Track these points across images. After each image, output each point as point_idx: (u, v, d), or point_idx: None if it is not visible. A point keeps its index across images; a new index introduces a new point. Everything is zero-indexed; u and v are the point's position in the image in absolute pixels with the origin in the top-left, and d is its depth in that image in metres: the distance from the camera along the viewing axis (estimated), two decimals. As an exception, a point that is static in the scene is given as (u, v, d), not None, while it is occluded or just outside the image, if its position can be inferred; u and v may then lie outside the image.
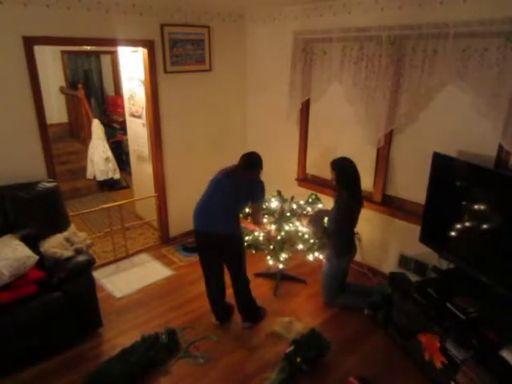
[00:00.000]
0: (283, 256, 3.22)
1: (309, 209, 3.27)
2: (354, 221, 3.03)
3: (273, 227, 3.24)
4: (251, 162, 2.81)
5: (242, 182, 2.73)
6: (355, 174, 2.94)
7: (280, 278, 3.45)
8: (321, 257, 3.22)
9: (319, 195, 3.43)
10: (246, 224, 3.18)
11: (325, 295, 3.18)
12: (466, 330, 2.26)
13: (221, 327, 2.93)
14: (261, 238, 3.31)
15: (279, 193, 3.38)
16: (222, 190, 2.71)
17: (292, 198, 3.35)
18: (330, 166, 2.99)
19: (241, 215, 3.03)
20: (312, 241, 3.22)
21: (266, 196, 3.24)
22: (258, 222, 3.03)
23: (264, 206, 3.32)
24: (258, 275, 3.60)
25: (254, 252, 3.35)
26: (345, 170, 2.94)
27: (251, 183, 2.76)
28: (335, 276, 3.11)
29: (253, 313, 2.99)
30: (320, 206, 3.32)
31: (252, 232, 3.29)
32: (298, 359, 2.46)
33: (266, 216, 3.30)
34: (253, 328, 2.93)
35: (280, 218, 3.24)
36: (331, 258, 3.08)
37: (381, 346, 2.76)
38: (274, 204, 3.31)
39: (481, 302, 2.37)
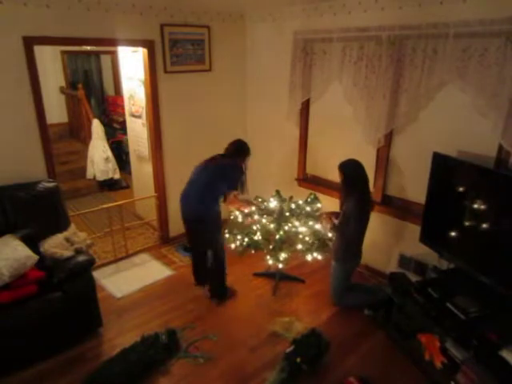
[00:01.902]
0: (282, 256, 3.22)
1: (308, 208, 3.27)
2: (364, 225, 3.01)
3: (256, 218, 3.32)
4: (234, 149, 3.05)
5: (219, 168, 2.96)
6: (363, 176, 2.93)
7: (279, 278, 3.45)
8: (319, 257, 3.22)
9: (318, 195, 3.43)
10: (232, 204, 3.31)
11: (333, 296, 3.18)
12: (466, 330, 2.26)
13: (220, 326, 2.94)
14: (259, 237, 3.31)
15: (278, 192, 3.38)
16: (199, 176, 3.00)
17: (291, 198, 3.35)
18: (337, 168, 2.96)
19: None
20: (311, 241, 3.22)
21: (266, 196, 3.36)
22: (229, 202, 3.21)
23: (263, 206, 3.34)
24: (257, 275, 3.60)
25: (253, 252, 3.35)
26: (353, 172, 2.92)
27: (227, 169, 2.99)
28: (343, 278, 3.10)
29: (219, 290, 3.22)
30: (319, 205, 3.32)
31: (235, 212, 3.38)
32: (298, 359, 2.45)
33: (265, 216, 3.31)
34: (220, 305, 3.15)
35: (279, 217, 3.25)
36: (339, 261, 3.07)
37: (381, 346, 2.76)
38: (273, 204, 3.31)
39: (481, 301, 2.37)
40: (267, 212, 3.32)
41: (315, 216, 3.26)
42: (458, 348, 2.26)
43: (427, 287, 2.61)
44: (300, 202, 3.32)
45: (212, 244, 3.07)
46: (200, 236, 3.07)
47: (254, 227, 3.34)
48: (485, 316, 2.29)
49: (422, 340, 2.48)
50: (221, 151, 3.34)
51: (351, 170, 2.93)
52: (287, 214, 3.25)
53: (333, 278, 3.15)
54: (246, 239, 3.32)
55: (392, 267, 3.30)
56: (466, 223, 2.55)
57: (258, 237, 3.31)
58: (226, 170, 3.00)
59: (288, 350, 2.54)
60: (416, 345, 2.53)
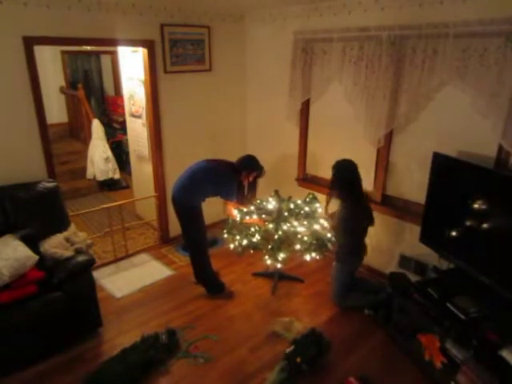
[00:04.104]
0: (281, 256, 3.22)
1: (306, 208, 3.27)
2: (360, 226, 3.02)
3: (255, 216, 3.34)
4: (240, 161, 3.18)
5: (211, 168, 3.14)
6: (352, 179, 2.92)
7: (278, 278, 3.45)
8: (318, 257, 3.23)
9: (318, 195, 3.43)
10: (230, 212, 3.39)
11: (334, 297, 3.18)
12: (465, 329, 2.27)
13: (220, 326, 2.94)
14: (258, 238, 3.30)
15: (277, 192, 3.38)
16: (192, 167, 3.17)
17: (289, 198, 3.34)
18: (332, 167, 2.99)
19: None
20: (309, 241, 3.23)
21: (266, 196, 3.38)
22: (238, 204, 3.27)
23: (261, 206, 3.35)
24: (256, 275, 3.60)
25: (251, 251, 3.35)
26: (342, 170, 2.94)
27: (216, 173, 3.13)
28: (344, 279, 3.11)
29: (207, 282, 3.32)
30: (317, 205, 3.32)
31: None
32: (298, 359, 2.45)
33: (264, 216, 3.31)
34: (210, 297, 3.25)
35: (278, 217, 3.25)
36: (340, 262, 3.09)
37: (381, 345, 2.76)
38: (272, 204, 3.31)
39: (481, 301, 2.37)
40: (266, 212, 3.32)
41: (314, 216, 3.27)
42: (458, 348, 2.26)
43: (427, 287, 2.61)
44: (299, 201, 3.32)
45: (185, 228, 3.23)
46: (179, 220, 3.22)
47: (253, 228, 3.33)
48: (485, 316, 2.29)
49: (422, 340, 2.49)
50: (221, 151, 3.36)
51: (340, 172, 2.94)
52: (286, 213, 3.25)
53: (334, 278, 3.16)
54: (245, 241, 3.32)
55: (392, 267, 3.30)
56: (466, 223, 2.55)
57: (256, 238, 3.31)
58: (215, 173, 3.13)
59: (288, 350, 2.54)
60: (416, 345, 2.53)
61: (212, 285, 3.33)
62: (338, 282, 3.13)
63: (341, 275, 3.10)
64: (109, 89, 7.84)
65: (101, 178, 5.53)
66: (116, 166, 5.64)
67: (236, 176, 3.15)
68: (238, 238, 3.34)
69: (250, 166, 3.19)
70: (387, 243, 3.43)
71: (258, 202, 3.40)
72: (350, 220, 2.96)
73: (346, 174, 2.93)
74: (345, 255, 3.05)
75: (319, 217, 3.27)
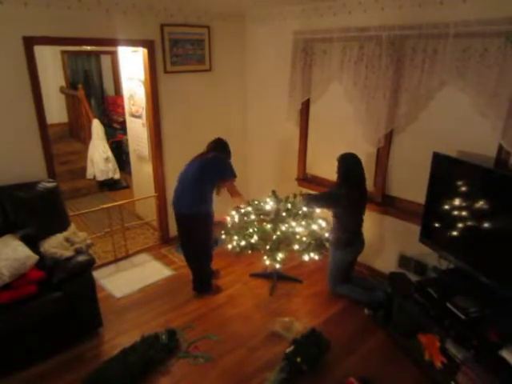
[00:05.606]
0: (279, 256, 3.22)
1: (305, 208, 3.27)
2: (355, 214, 3.07)
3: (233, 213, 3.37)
4: (215, 146, 3.19)
5: (207, 162, 3.07)
6: (356, 169, 2.99)
7: (277, 279, 3.45)
8: (316, 258, 3.23)
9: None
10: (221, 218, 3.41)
11: (328, 282, 3.29)
12: (466, 329, 2.26)
13: (220, 326, 2.94)
14: (256, 238, 3.30)
15: (274, 193, 3.37)
16: (190, 174, 3.07)
17: (287, 198, 3.34)
18: (337, 160, 3.05)
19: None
20: (308, 241, 3.23)
21: (263, 197, 3.38)
22: (234, 195, 3.24)
23: (259, 207, 3.35)
24: (254, 275, 3.60)
25: (249, 252, 3.34)
26: (346, 163, 2.99)
27: (216, 162, 3.10)
28: (339, 266, 3.18)
29: (203, 285, 3.32)
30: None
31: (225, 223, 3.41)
32: (298, 359, 2.46)
33: (262, 216, 3.31)
34: (198, 297, 3.25)
35: (276, 217, 3.24)
36: (334, 249, 3.15)
37: (381, 345, 2.76)
38: (270, 204, 3.30)
39: (481, 301, 2.37)
40: (264, 212, 3.32)
41: (312, 217, 3.27)
42: (458, 348, 2.26)
43: (427, 287, 2.61)
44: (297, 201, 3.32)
45: (197, 240, 3.17)
46: (189, 232, 3.16)
47: (251, 229, 3.33)
48: (485, 316, 2.29)
49: (422, 340, 2.49)
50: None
51: (345, 161, 3.00)
52: (284, 214, 3.25)
53: (329, 263, 3.27)
54: (243, 242, 3.31)
55: (392, 267, 3.30)
56: (466, 223, 2.55)
57: (254, 239, 3.30)
58: (214, 160, 3.11)
59: (288, 350, 2.54)
60: (416, 345, 2.53)
61: (204, 283, 3.32)
62: (332, 270, 3.22)
63: (332, 260, 3.19)
64: (109, 89, 7.84)
65: (101, 177, 5.54)
66: (116, 166, 5.65)
67: (223, 155, 3.20)
68: (235, 238, 3.34)
69: (227, 148, 3.24)
70: (387, 243, 3.43)
71: (256, 202, 3.39)
72: (350, 210, 3.02)
73: (353, 166, 2.99)
74: (338, 241, 3.11)
75: (317, 217, 3.28)
